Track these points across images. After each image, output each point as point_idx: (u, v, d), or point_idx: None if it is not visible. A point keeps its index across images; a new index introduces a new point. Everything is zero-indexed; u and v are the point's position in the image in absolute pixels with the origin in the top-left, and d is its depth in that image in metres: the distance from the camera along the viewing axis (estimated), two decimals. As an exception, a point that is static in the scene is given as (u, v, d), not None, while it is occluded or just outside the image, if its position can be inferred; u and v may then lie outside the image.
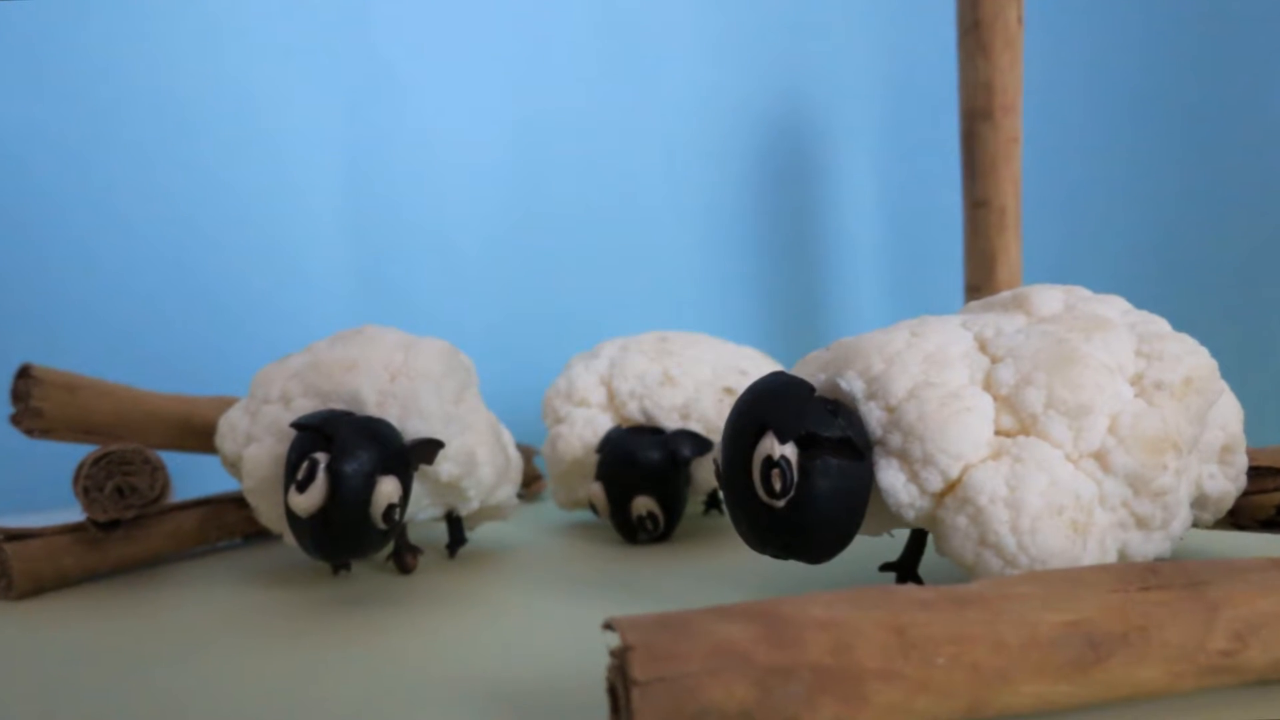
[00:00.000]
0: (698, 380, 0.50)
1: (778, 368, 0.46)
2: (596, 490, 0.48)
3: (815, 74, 0.79)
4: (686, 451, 0.47)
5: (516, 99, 0.76)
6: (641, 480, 0.47)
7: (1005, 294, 0.36)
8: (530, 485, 0.65)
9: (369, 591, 0.40)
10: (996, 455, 0.30)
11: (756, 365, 0.54)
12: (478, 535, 0.51)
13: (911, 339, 0.33)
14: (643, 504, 0.47)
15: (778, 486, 0.30)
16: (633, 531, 0.48)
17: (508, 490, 0.46)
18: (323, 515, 0.35)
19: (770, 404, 0.32)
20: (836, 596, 0.23)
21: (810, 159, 0.79)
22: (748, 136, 0.79)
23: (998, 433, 0.31)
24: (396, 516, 0.37)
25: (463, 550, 0.47)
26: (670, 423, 0.49)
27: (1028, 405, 0.30)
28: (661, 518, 0.47)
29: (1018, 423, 0.31)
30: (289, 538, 0.39)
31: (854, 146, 0.79)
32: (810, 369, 0.34)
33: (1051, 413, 0.30)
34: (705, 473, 0.49)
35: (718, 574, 0.41)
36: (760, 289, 0.79)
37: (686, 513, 0.51)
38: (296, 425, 0.37)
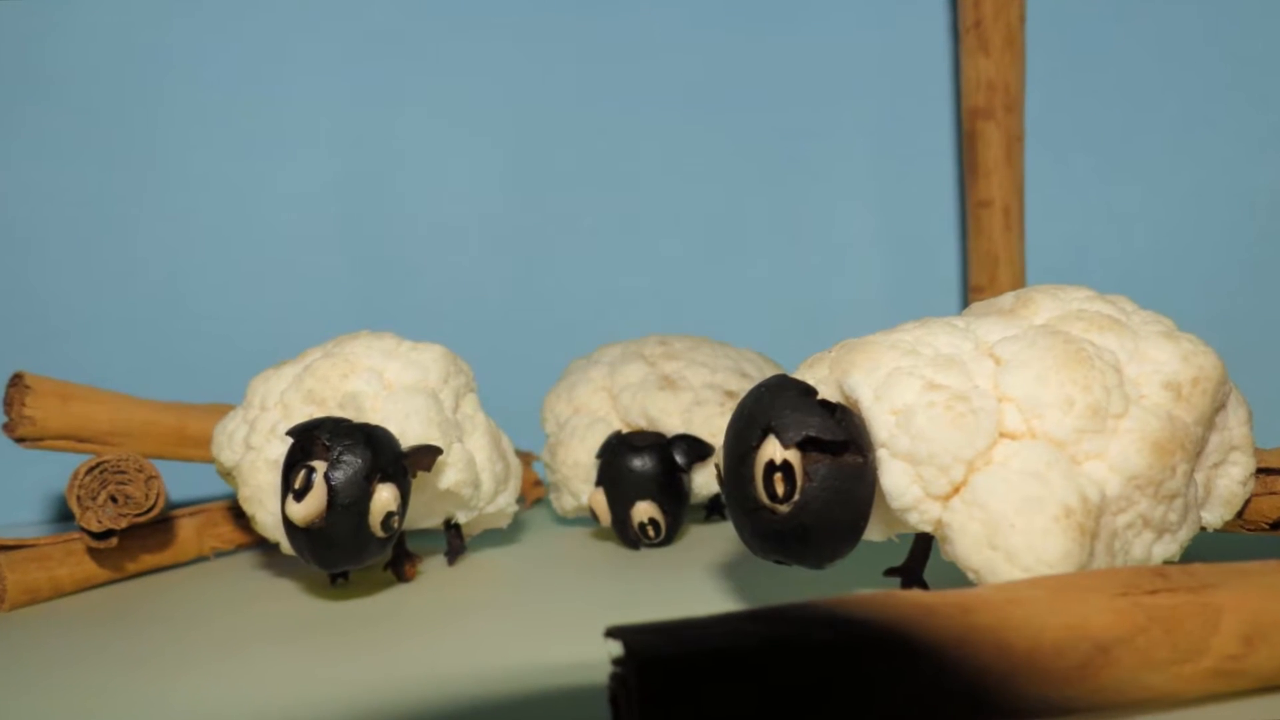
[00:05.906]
0: (700, 384, 0.50)
1: (780, 370, 0.46)
2: (597, 497, 0.47)
3: (804, 69, 0.75)
4: (686, 456, 0.47)
5: (511, 100, 0.73)
6: (642, 486, 0.46)
7: (1008, 295, 0.36)
8: (529, 492, 0.64)
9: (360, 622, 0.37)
10: (1003, 458, 0.30)
11: (759, 368, 0.53)
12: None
13: (917, 340, 0.33)
14: (643, 510, 0.46)
15: (780, 491, 0.30)
16: (634, 539, 0.47)
17: (507, 497, 0.46)
18: (320, 524, 0.35)
19: (772, 407, 0.31)
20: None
21: (799, 158, 0.76)
22: (739, 130, 0.75)
23: (1003, 435, 0.30)
24: (395, 525, 0.37)
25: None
26: (672, 428, 0.49)
27: (1034, 407, 0.30)
28: (663, 523, 0.47)
29: (1024, 425, 0.30)
30: (286, 546, 0.39)
31: (846, 145, 0.76)
32: (813, 371, 0.34)
33: (1057, 414, 0.30)
34: (706, 478, 0.49)
35: (721, 587, 0.40)
36: (760, 287, 0.76)
37: (688, 520, 0.51)
38: (292, 433, 0.37)
